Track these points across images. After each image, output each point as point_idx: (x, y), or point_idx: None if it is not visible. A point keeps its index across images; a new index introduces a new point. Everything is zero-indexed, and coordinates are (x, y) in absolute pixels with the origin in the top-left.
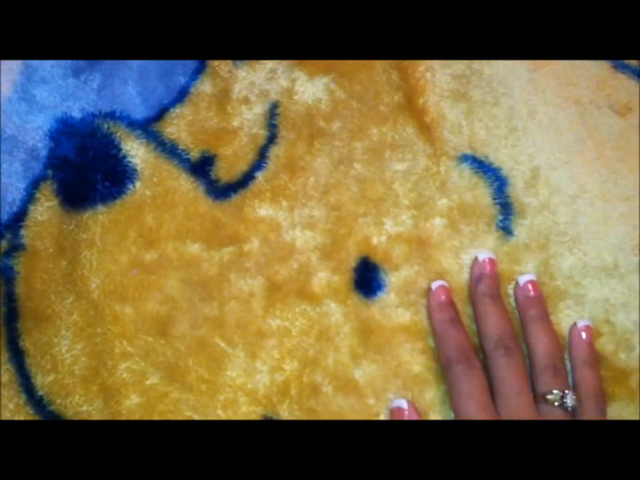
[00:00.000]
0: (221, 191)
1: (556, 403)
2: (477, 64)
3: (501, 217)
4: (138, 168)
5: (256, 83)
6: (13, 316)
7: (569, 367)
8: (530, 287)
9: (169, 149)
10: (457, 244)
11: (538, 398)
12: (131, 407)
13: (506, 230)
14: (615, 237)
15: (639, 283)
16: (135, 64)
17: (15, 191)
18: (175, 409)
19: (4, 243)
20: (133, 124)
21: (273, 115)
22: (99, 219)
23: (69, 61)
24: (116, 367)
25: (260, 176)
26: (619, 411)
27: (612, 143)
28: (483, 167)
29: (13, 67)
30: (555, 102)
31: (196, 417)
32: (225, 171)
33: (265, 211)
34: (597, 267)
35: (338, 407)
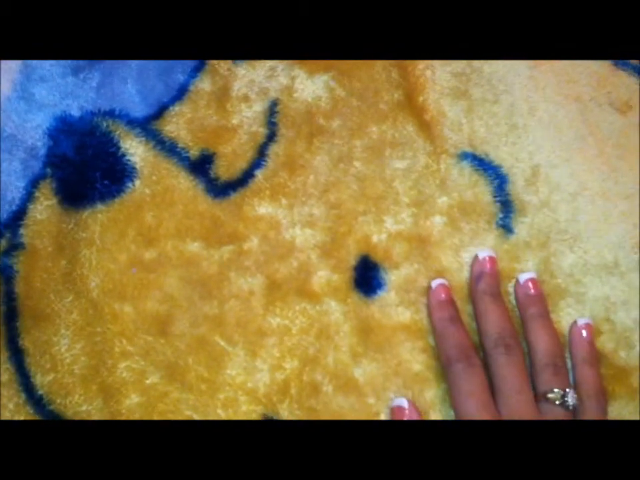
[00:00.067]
0: (221, 189)
1: (557, 402)
2: (476, 62)
3: (501, 215)
4: (137, 166)
5: (255, 80)
6: (12, 315)
7: (569, 365)
8: (530, 285)
9: (168, 147)
10: (457, 242)
11: (539, 396)
12: (131, 406)
13: (506, 228)
14: (616, 234)
15: (639, 280)
16: (134, 62)
17: (14, 189)
18: (175, 408)
19: (3, 242)
20: (132, 122)
21: (272, 112)
22: (98, 218)
23: (68, 60)
24: (116, 366)
25: (259, 174)
26: (619, 409)
27: (612, 141)
28: (483, 164)
29: (12, 66)
30: (555, 99)
31: (196, 416)
32: (224, 169)
33: (264, 209)
34: (598, 264)
35: (338, 406)
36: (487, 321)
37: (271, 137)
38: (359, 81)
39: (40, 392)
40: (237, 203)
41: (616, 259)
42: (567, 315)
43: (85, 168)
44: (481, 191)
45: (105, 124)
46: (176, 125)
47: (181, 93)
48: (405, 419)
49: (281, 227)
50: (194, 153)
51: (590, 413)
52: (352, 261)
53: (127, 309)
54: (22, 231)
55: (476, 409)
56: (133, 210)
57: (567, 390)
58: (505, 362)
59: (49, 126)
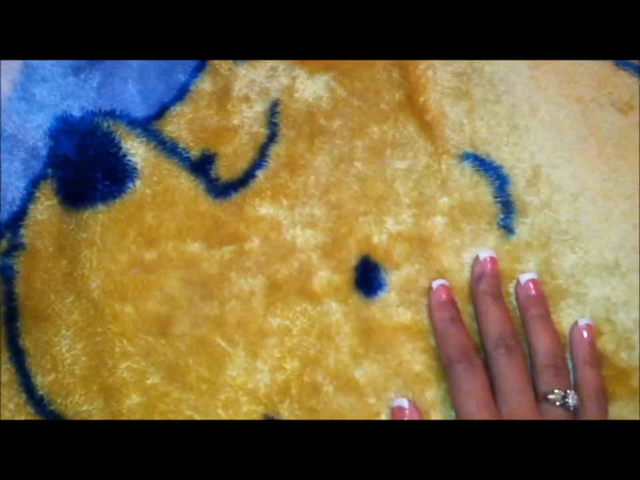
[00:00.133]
0: (221, 190)
1: (557, 403)
2: (478, 62)
3: (502, 216)
4: (138, 166)
5: (256, 80)
6: (12, 315)
7: (570, 366)
8: (531, 285)
9: (169, 148)
10: (458, 242)
11: (539, 397)
12: (132, 407)
13: (507, 228)
14: (616, 235)
15: (639, 281)
16: (134, 62)
17: (15, 190)
18: (175, 409)
19: (4, 242)
20: (133, 122)
21: (273, 113)
22: (99, 218)
23: (69, 60)
24: (116, 367)
25: (260, 174)
26: (620, 410)
27: (613, 141)
28: (484, 165)
29: (12, 66)
30: (557, 99)
31: (196, 417)
32: (225, 170)
33: (265, 209)
34: (598, 265)
35: (339, 406)
36: (488, 322)
37: (272, 137)
38: (359, 81)
39: (40, 392)
40: (238, 204)
41: (617, 259)
42: (567, 316)
43: (85, 168)
44: (482, 192)
45: (105, 124)
46: (177, 125)
47: (181, 93)
48: (406, 419)
49: (282, 227)
50: (195, 153)
51: (591, 414)
52: (353, 261)
53: (127, 310)
54: (22, 231)
55: (477, 409)
56: (133, 210)
57: (568, 391)
58: (506, 362)
59: (50, 126)
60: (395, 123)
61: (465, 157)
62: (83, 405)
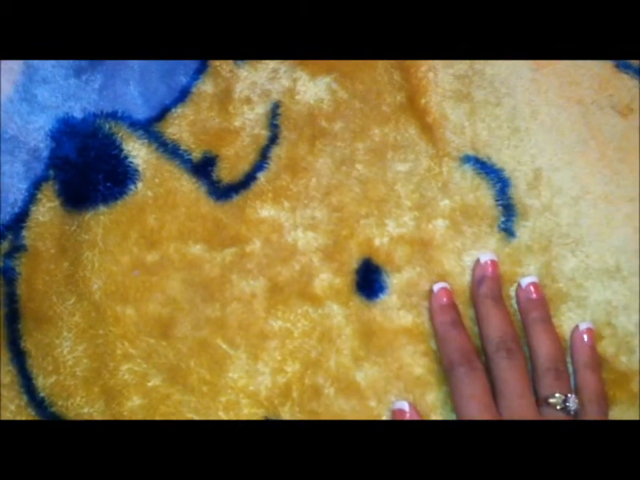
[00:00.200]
0: (223, 192)
1: (558, 407)
2: (479, 64)
3: (503, 219)
4: (139, 168)
5: (258, 82)
6: (14, 317)
7: (570, 369)
8: (532, 289)
9: (171, 150)
10: (459, 245)
11: (540, 401)
12: (133, 409)
13: (508, 232)
14: (618, 239)
15: None
16: (136, 64)
17: (17, 191)
18: (176, 411)
19: (5, 244)
20: (134, 124)
21: (274, 115)
22: (100, 220)
23: (71, 61)
24: (117, 369)
25: (262, 176)
26: (620, 414)
27: (614, 144)
28: (485, 167)
29: (14, 67)
30: (558, 102)
31: (197, 419)
32: (226, 172)
33: (266, 211)
34: (599, 269)
35: (339, 409)
36: (489, 325)
37: (273, 139)
38: (361, 83)
39: (42, 394)
40: (240, 206)
41: (618, 263)
42: (568, 319)
43: (87, 170)
44: (483, 195)
45: (107, 126)
46: (178, 127)
47: (183, 95)
48: None
49: (283, 229)
50: (196, 155)
51: (591, 418)
52: (354, 264)
53: (129, 312)
54: (24, 232)
55: (478, 412)
56: (135, 212)
57: (569, 395)
58: (507, 366)
59: (52, 128)
60: (396, 125)
61: (466, 159)
62: (84, 407)
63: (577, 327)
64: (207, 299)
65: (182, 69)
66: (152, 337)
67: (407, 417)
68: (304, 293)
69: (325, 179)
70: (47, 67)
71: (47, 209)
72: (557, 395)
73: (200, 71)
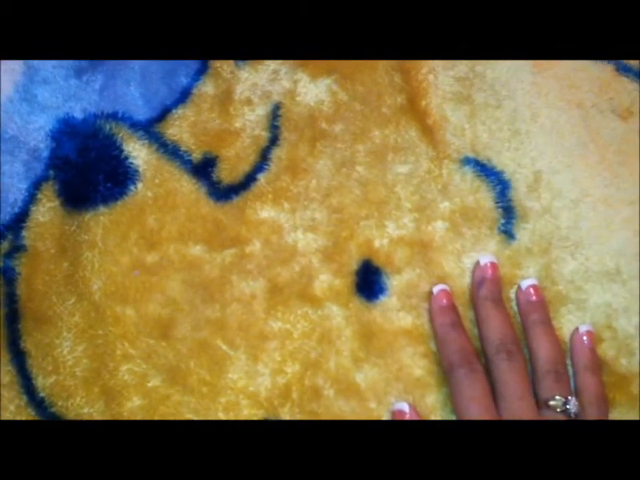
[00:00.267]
0: (223, 193)
1: (558, 409)
2: (479, 67)
3: (503, 221)
4: (140, 169)
5: (258, 84)
6: (14, 317)
7: (570, 372)
8: (532, 291)
9: (171, 150)
10: (459, 247)
11: (540, 403)
12: (133, 409)
13: (508, 234)
14: (617, 241)
15: None
16: (137, 65)
17: (17, 191)
18: (176, 412)
19: (5, 244)
20: (135, 125)
21: (275, 116)
22: (100, 220)
23: (71, 62)
24: (117, 369)
25: (262, 178)
26: (620, 416)
27: (614, 147)
28: (485, 170)
29: (15, 68)
30: (558, 105)
31: (197, 420)
32: (226, 173)
33: (266, 212)
34: (599, 271)
35: (339, 410)
36: (489, 327)
37: (274, 140)
38: (361, 85)
39: (41, 394)
40: (240, 207)
41: (617, 265)
42: (568, 322)
43: (87, 170)
44: (483, 197)
45: (107, 126)
46: (179, 128)
47: (184, 96)
48: None
49: (283, 230)
50: (196, 156)
51: None
52: (354, 265)
53: (128, 312)
54: (24, 233)
55: (478, 414)
56: (135, 213)
57: (569, 397)
58: (507, 368)
59: (52, 128)
60: (396, 127)
61: (466, 161)
62: (84, 407)
63: (576, 329)
64: (207, 299)
65: (183, 70)
66: (152, 337)
67: (407, 417)
68: (304, 294)
69: (325, 181)
70: (47, 67)
71: (46, 209)
72: (557, 397)
73: (201, 72)
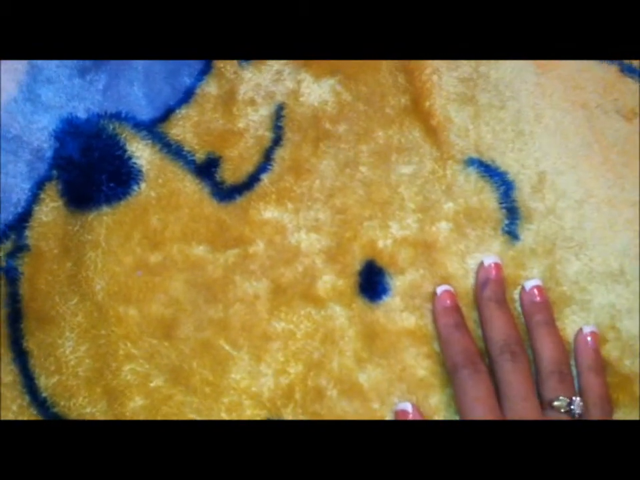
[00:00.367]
0: (226, 193)
1: (562, 410)
2: (483, 67)
3: (507, 222)
4: (143, 169)
5: (262, 84)
6: (16, 317)
7: (574, 373)
8: (536, 292)
9: (175, 150)
10: (463, 248)
11: (544, 404)
12: (135, 409)
13: (512, 234)
14: (621, 242)
15: None
16: (140, 65)
17: (20, 191)
18: (178, 412)
19: (8, 244)
20: (138, 125)
21: (278, 116)
22: (103, 220)
23: (75, 61)
24: (120, 369)
25: (265, 178)
26: (624, 417)
27: (618, 148)
28: (489, 170)
29: (18, 67)
30: (562, 106)
31: (199, 420)
32: (230, 173)
33: (270, 213)
34: (603, 272)
35: (342, 410)
36: (493, 328)
37: (277, 140)
38: (365, 85)
39: (44, 394)
40: (243, 207)
41: (621, 266)
42: (572, 323)
43: (90, 170)
44: (487, 197)
45: (111, 126)
46: (182, 128)
47: (187, 96)
48: None
49: (287, 231)
50: (200, 156)
51: None
52: (357, 266)
53: (131, 312)
54: (27, 232)
55: (482, 414)
56: (138, 213)
57: (573, 398)
58: (511, 368)
59: (55, 128)
60: (400, 128)
61: (470, 162)
62: (87, 407)
63: (580, 330)
64: (210, 300)
65: (186, 70)
66: (154, 337)
67: (410, 418)
68: (307, 294)
69: (328, 181)
70: (51, 67)
71: (50, 209)
72: (562, 397)
73: (204, 72)
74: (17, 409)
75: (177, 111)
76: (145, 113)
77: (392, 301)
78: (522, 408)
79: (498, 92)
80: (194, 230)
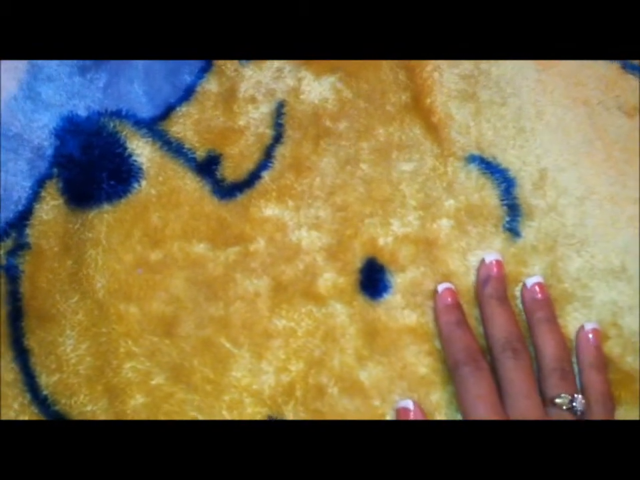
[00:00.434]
0: (227, 191)
1: (564, 407)
2: (484, 64)
3: (508, 219)
4: (143, 167)
5: (262, 82)
6: (17, 315)
7: (576, 370)
8: (537, 289)
9: (175, 148)
10: (464, 245)
11: (546, 401)
12: (136, 407)
13: (513, 231)
14: (623, 239)
15: None
16: (140, 63)
17: (21, 189)
18: (179, 410)
19: (9, 242)
20: (138, 123)
21: (279, 114)
22: (104, 218)
23: (75, 60)
24: (121, 367)
25: (266, 175)
26: (626, 414)
27: (620, 145)
28: (490, 167)
29: (18, 66)
30: (563, 103)
31: (201, 418)
32: (230, 171)
33: (270, 210)
34: (605, 269)
35: (343, 408)
36: (494, 325)
37: (278, 138)
38: (366, 83)
39: (45, 392)
40: (244, 205)
41: (623, 263)
42: (573, 320)
43: (91, 168)
44: (488, 194)
45: (111, 124)
46: (182, 126)
47: (187, 93)
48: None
49: (287, 228)
50: (200, 154)
51: (597, 418)
52: (358, 263)
53: (132, 310)
54: (28, 230)
55: (484, 411)
56: (139, 210)
57: (575, 395)
58: (513, 366)
59: (56, 126)
60: (401, 125)
61: (471, 159)
62: (87, 405)
63: (582, 327)
64: (211, 297)
65: (187, 67)
66: (155, 335)
67: (411, 415)
68: (308, 292)
69: (329, 179)
70: (51, 65)
71: (50, 207)
72: (563, 395)
73: (205, 70)
74: (18, 407)
75: (178, 109)
76: (145, 110)
77: (393, 298)
78: (524, 405)
79: (499, 89)
80: (194, 228)
